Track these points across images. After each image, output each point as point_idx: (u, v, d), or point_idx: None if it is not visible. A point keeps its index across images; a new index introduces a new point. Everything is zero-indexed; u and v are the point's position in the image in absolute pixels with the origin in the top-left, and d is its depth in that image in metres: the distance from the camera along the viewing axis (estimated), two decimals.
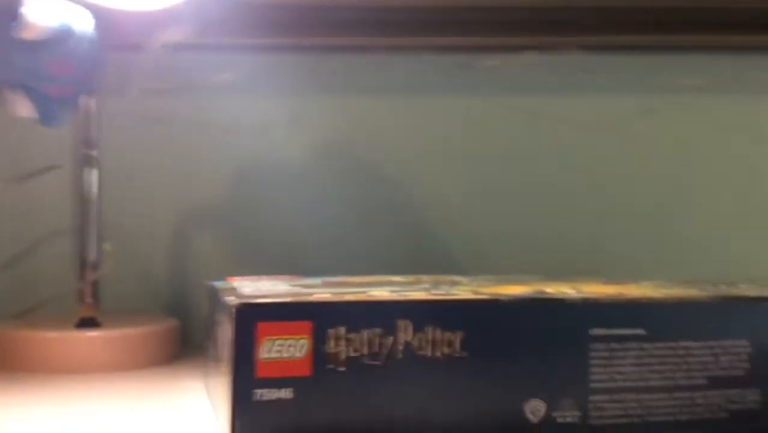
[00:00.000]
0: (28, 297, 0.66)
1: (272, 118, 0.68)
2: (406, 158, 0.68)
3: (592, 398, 0.37)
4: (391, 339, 0.35)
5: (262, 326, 0.34)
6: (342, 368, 0.35)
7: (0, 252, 0.67)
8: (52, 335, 0.55)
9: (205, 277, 0.54)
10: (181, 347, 0.62)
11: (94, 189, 0.60)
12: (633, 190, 0.69)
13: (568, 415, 0.37)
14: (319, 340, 0.34)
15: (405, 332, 0.35)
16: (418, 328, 0.35)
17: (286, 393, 0.34)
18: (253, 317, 0.34)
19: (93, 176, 0.60)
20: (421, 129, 0.69)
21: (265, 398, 0.34)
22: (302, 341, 0.34)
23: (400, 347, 0.35)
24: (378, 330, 0.35)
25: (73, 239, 0.60)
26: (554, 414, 0.37)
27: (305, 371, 0.34)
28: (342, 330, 0.35)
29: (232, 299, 0.35)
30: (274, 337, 0.34)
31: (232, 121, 0.68)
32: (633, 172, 0.69)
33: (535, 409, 0.37)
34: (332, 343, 0.35)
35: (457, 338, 0.36)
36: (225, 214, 0.68)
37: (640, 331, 0.38)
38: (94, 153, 0.60)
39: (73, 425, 0.39)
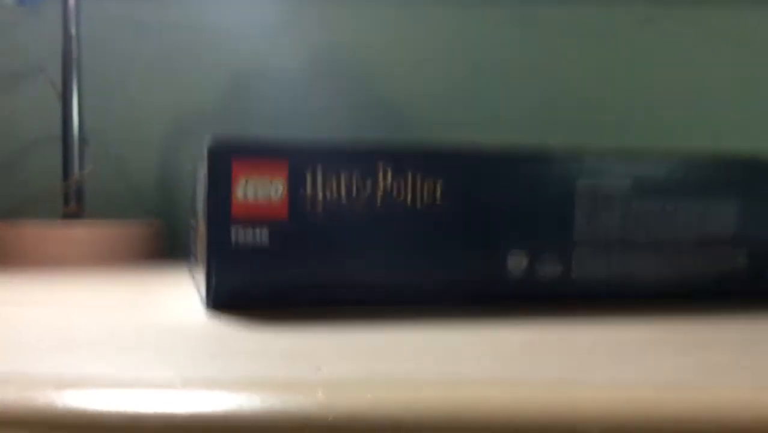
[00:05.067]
0: (16, 203, 0.66)
1: (263, 22, 0.67)
2: (401, 66, 0.67)
3: (575, 252, 0.36)
4: (369, 184, 0.34)
5: (237, 163, 0.33)
6: (319, 211, 0.34)
7: None
8: (35, 227, 0.55)
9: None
10: (168, 251, 0.62)
11: (75, 89, 0.59)
12: (630, 100, 0.68)
13: (550, 268, 0.36)
14: (295, 182, 0.34)
15: (384, 178, 0.35)
16: (397, 173, 0.35)
17: (262, 236, 0.33)
18: (227, 154, 0.33)
19: (74, 76, 0.59)
20: (418, 36, 0.67)
21: (241, 240, 0.33)
22: (278, 183, 0.33)
23: (379, 194, 0.35)
24: (356, 174, 0.34)
25: (57, 142, 0.59)
26: (536, 267, 0.36)
27: (282, 214, 0.34)
28: (319, 172, 0.34)
29: (208, 141, 0.34)
30: (250, 176, 0.33)
31: (222, 25, 0.67)
32: (630, 83, 0.68)
33: (517, 261, 0.36)
34: (309, 185, 0.34)
35: (437, 185, 0.35)
36: (213, 120, 0.67)
37: (626, 185, 0.37)
38: (74, 53, 0.59)
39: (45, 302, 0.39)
